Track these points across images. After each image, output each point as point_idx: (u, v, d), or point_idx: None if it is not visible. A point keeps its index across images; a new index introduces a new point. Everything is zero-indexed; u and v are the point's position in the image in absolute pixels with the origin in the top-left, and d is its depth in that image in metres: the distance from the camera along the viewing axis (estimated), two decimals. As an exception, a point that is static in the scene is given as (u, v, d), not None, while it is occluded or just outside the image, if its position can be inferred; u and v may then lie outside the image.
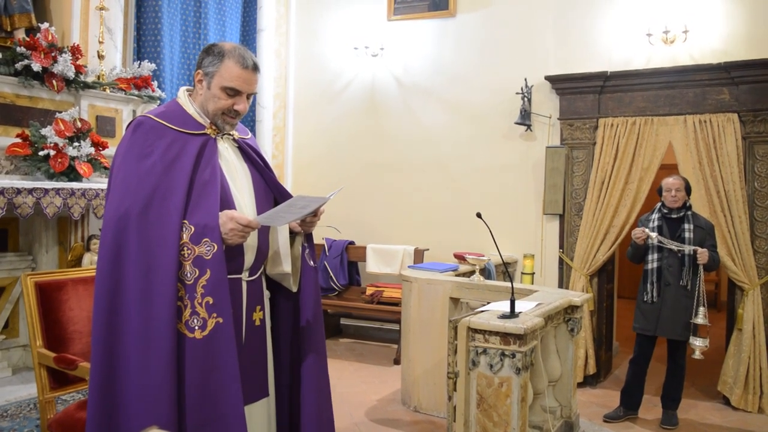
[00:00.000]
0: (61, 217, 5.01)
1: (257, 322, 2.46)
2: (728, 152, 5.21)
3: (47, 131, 4.70)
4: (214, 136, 2.36)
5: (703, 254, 4.48)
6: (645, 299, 4.69)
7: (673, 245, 4.55)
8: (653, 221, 4.72)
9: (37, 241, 5.13)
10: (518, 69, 6.26)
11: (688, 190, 4.68)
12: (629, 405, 4.84)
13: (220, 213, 2.21)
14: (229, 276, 2.24)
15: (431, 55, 6.80)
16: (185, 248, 2.14)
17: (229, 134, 2.44)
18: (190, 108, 2.38)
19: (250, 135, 2.59)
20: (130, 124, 2.33)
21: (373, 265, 6.73)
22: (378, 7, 7.00)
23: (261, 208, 2.41)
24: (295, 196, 2.21)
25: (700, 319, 4.44)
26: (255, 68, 2.36)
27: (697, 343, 4.44)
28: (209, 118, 2.37)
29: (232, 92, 2.32)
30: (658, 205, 4.78)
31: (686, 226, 4.61)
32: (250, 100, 2.39)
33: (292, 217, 2.32)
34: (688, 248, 4.53)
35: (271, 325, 2.58)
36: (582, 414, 4.75)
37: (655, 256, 4.66)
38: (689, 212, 4.66)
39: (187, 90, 2.44)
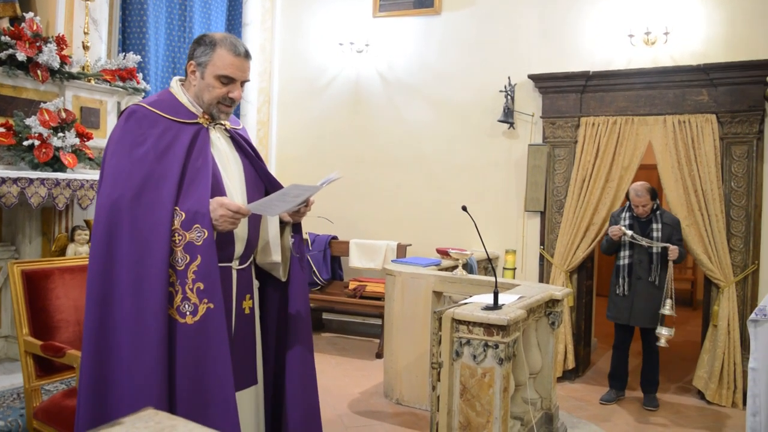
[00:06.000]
0: (44, 208, 4.98)
1: (246, 311, 2.49)
2: (706, 152, 5.32)
3: (31, 121, 4.67)
4: (206, 126, 2.39)
5: (673, 251, 4.83)
6: (617, 292, 5.03)
7: (645, 242, 4.87)
8: (625, 219, 5.04)
9: (20, 231, 5.10)
10: (502, 67, 6.32)
11: (653, 196, 4.98)
12: (618, 386, 5.18)
13: (210, 200, 2.24)
14: (219, 264, 2.27)
15: (416, 52, 6.85)
16: (176, 234, 2.17)
17: (221, 124, 2.47)
18: (183, 97, 2.40)
19: (241, 125, 2.62)
20: (122, 112, 2.35)
21: (356, 260, 6.76)
22: (363, 3, 7.03)
23: (252, 198, 2.44)
24: (289, 185, 2.24)
25: (667, 310, 4.78)
26: (247, 55, 2.40)
27: (664, 332, 4.78)
28: (204, 108, 2.39)
29: (227, 80, 2.35)
30: (629, 203, 5.07)
31: (654, 225, 4.95)
32: (243, 87, 2.43)
33: (284, 207, 2.34)
34: (657, 245, 4.87)
35: (259, 314, 2.61)
36: (561, 408, 4.82)
37: (627, 252, 5.00)
38: (657, 212, 4.99)
39: (180, 80, 2.47)
